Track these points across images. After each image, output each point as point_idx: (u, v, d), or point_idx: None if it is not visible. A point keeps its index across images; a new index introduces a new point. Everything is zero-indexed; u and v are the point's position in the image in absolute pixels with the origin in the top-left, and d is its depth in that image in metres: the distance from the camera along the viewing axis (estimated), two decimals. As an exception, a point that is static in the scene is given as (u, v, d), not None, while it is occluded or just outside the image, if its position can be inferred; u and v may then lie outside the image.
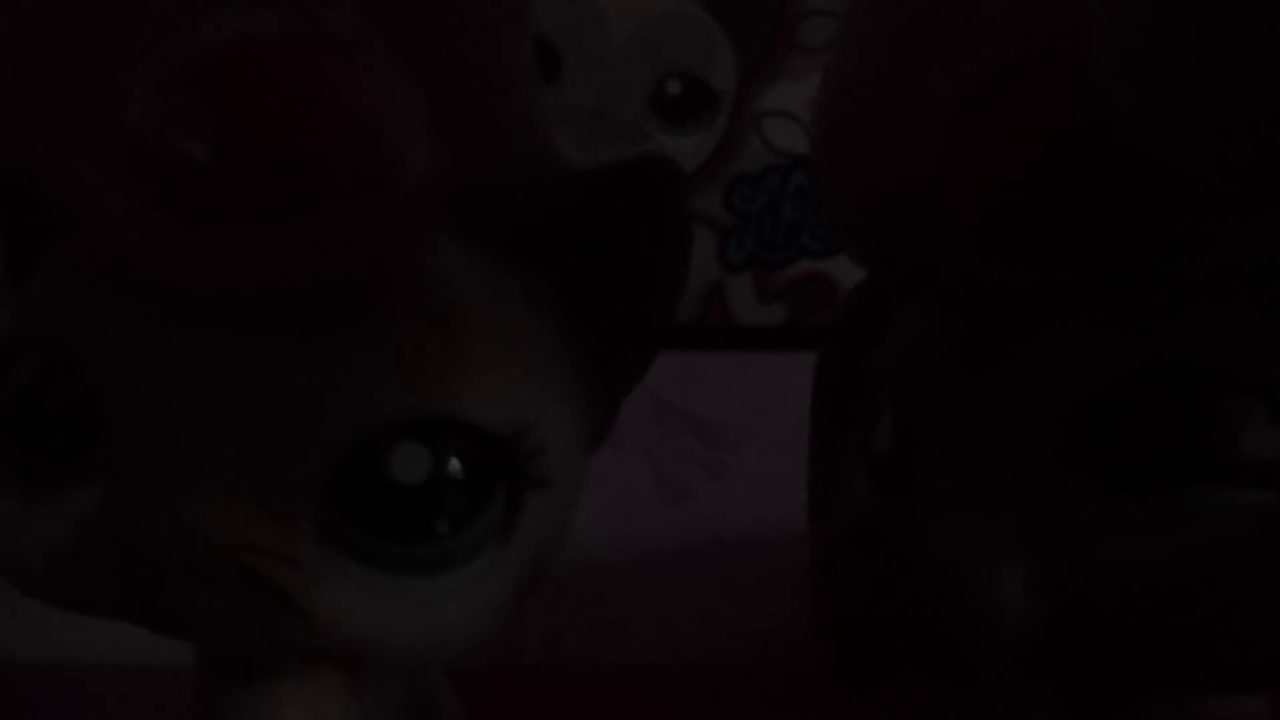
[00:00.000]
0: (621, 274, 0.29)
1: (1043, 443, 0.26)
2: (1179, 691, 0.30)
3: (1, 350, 0.26)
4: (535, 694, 0.53)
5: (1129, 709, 0.31)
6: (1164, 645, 0.25)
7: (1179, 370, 0.25)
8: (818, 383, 0.37)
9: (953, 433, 0.28)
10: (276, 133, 0.22)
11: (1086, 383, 0.26)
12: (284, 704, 0.29)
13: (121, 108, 0.22)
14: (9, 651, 0.54)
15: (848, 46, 0.28)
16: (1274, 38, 0.20)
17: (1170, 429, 0.25)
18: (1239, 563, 0.24)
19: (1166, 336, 0.25)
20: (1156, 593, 0.25)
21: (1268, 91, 0.20)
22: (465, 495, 0.26)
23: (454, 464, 0.26)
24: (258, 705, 0.29)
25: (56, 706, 0.51)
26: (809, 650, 0.50)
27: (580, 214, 0.28)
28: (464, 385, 0.26)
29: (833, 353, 0.36)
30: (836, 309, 0.59)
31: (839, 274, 0.59)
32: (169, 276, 0.24)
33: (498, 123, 0.26)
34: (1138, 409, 0.25)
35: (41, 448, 0.26)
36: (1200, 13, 0.21)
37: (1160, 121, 0.22)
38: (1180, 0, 0.21)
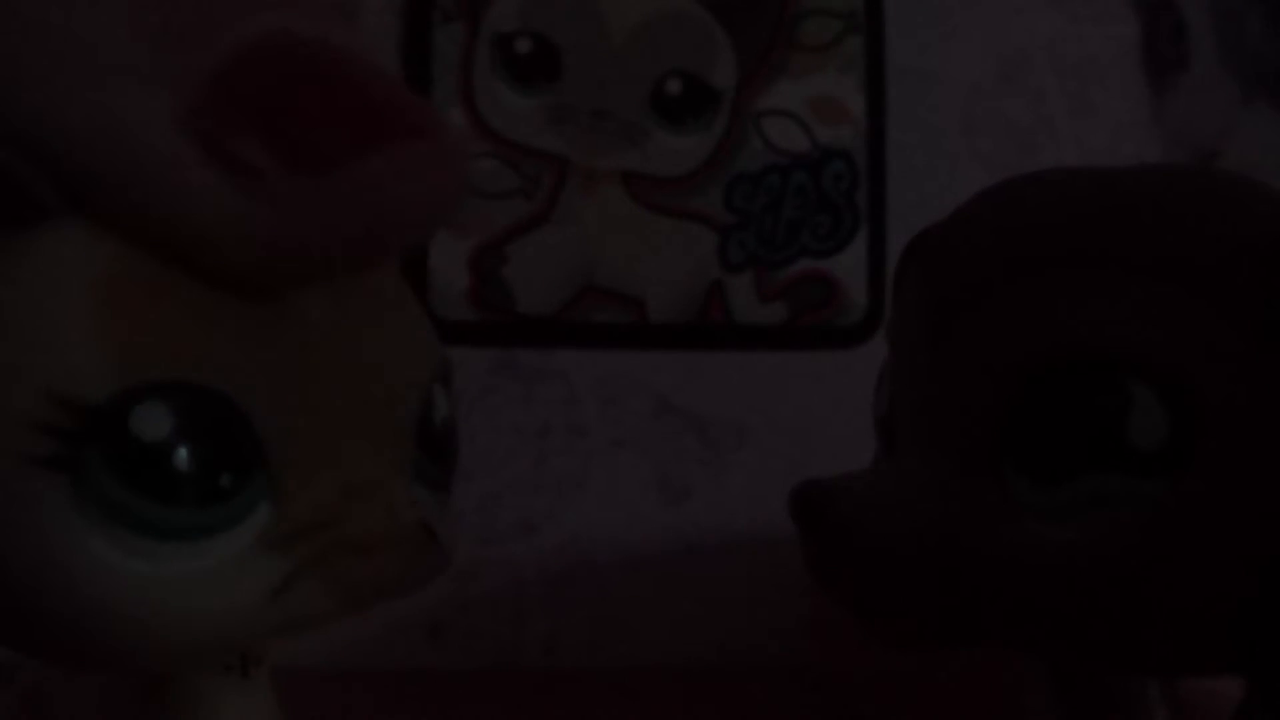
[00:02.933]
0: None
1: (979, 430, 0.28)
2: (1116, 672, 0.31)
3: (106, 407, 0.24)
4: (535, 694, 0.53)
5: (1118, 688, 0.32)
6: (1082, 629, 0.27)
7: (1079, 362, 0.27)
8: None
9: (908, 407, 0.30)
10: (323, 100, 0.24)
11: (1015, 372, 0.27)
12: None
13: (180, 92, 0.24)
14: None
15: None
16: None
17: (1067, 420, 0.27)
18: (1136, 550, 0.26)
19: (1073, 328, 0.27)
20: (1065, 578, 0.27)
21: None
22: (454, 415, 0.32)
23: (451, 393, 0.31)
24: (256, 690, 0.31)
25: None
26: (809, 649, 0.50)
27: None
28: (433, 332, 0.31)
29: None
30: (836, 308, 0.59)
31: (839, 273, 0.59)
32: (239, 248, 0.24)
33: None
34: (1045, 400, 0.27)
35: (199, 497, 0.25)
36: None
37: None
38: None
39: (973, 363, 0.28)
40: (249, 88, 0.24)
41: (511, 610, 0.58)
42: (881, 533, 0.28)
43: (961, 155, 0.60)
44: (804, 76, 0.59)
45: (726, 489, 0.59)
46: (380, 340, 0.28)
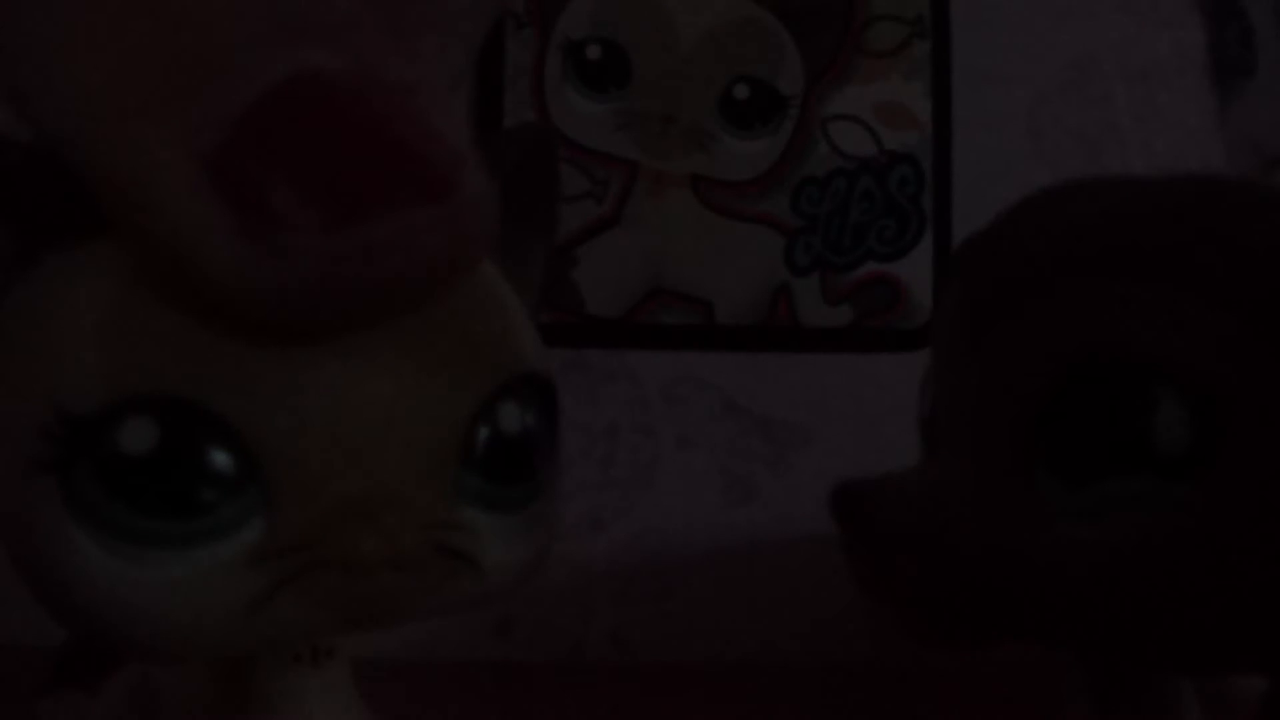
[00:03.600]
0: (522, 225, 0.33)
1: (1012, 433, 0.28)
2: (1148, 670, 0.32)
3: (105, 407, 0.25)
4: (602, 687, 0.54)
5: (1151, 687, 0.32)
6: (1112, 627, 0.28)
7: (1108, 367, 0.27)
8: None
9: (947, 410, 0.31)
10: (339, 150, 0.24)
11: (1048, 377, 0.28)
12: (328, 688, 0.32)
13: (200, 134, 0.23)
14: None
15: None
16: None
17: (1093, 423, 0.27)
18: (1163, 549, 0.27)
19: (1103, 335, 0.27)
20: (1095, 577, 0.27)
21: None
22: (551, 430, 0.30)
23: (537, 408, 0.30)
24: (305, 688, 0.31)
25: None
26: (872, 646, 0.50)
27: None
28: (518, 343, 0.30)
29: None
30: (902, 311, 0.59)
31: (905, 276, 0.60)
32: (242, 293, 0.24)
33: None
34: (1075, 403, 0.28)
35: (179, 509, 0.26)
36: None
37: None
38: None
39: (1007, 367, 0.29)
40: (268, 133, 0.23)
41: (579, 605, 0.59)
42: (918, 533, 0.29)
43: (1027, 160, 0.60)
44: (870, 82, 0.59)
45: (790, 489, 0.60)
46: (409, 357, 0.27)
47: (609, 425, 0.59)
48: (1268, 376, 0.26)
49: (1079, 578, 0.27)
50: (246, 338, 0.25)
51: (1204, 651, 0.28)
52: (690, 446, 0.60)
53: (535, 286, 0.35)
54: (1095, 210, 0.30)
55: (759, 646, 0.59)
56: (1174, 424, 0.26)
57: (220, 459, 0.25)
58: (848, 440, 0.59)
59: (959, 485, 0.29)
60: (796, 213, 0.59)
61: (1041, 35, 0.61)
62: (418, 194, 0.24)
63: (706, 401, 0.60)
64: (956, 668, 0.45)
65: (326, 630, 0.28)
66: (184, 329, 0.25)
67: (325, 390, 0.26)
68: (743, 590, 0.59)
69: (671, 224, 0.59)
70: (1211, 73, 0.60)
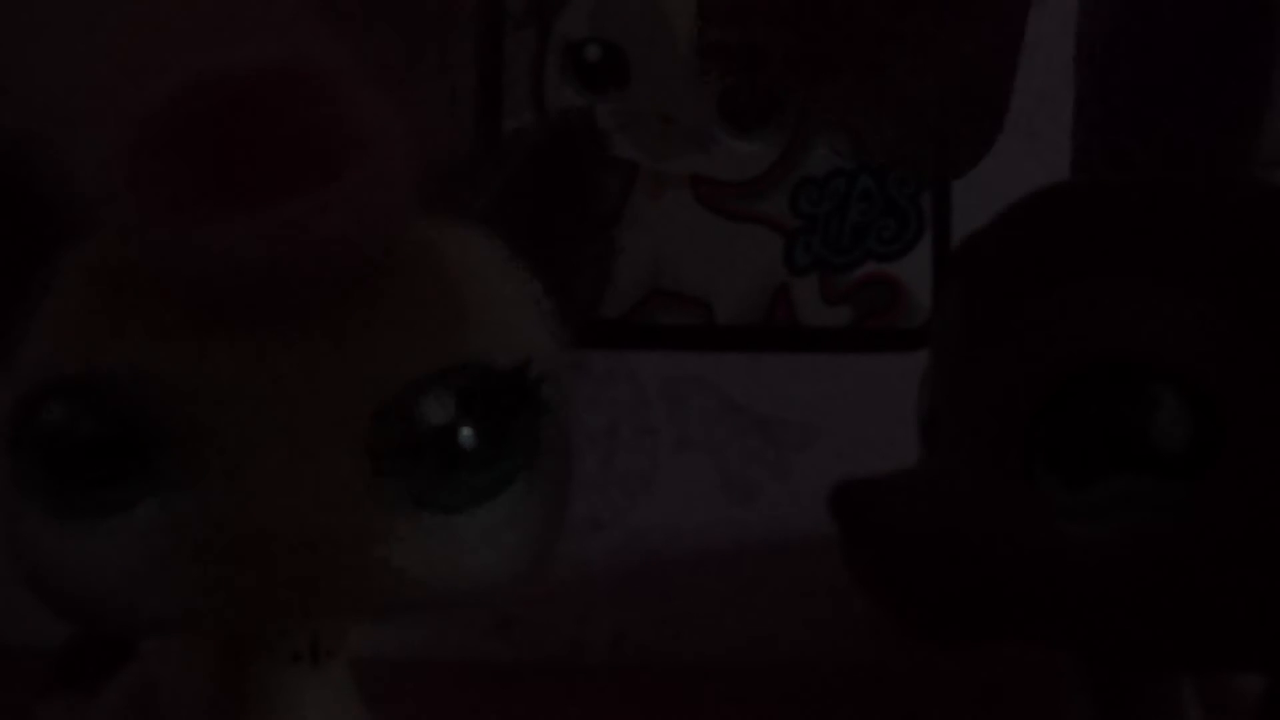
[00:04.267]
0: (559, 211, 0.32)
1: (1011, 432, 0.28)
2: (1148, 669, 0.32)
3: (34, 388, 0.27)
4: (601, 687, 0.54)
5: (1151, 686, 0.32)
6: (1111, 626, 0.28)
7: (1106, 366, 0.27)
8: None
9: (946, 409, 0.31)
10: (238, 143, 0.25)
11: (1047, 377, 0.28)
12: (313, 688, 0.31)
13: (126, 130, 0.25)
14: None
15: None
16: None
17: (1093, 423, 0.27)
18: (1162, 549, 0.27)
19: (1102, 335, 0.28)
20: (1094, 577, 0.27)
21: None
22: (493, 427, 0.29)
23: (477, 401, 0.28)
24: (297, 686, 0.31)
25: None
26: (872, 646, 0.50)
27: (522, 167, 0.32)
28: (468, 331, 0.29)
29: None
30: (901, 311, 0.60)
31: (904, 276, 0.60)
32: (182, 273, 0.26)
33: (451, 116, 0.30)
34: (1074, 403, 0.28)
35: (87, 477, 0.27)
36: None
37: None
38: None
39: (1006, 366, 0.29)
40: (176, 129, 0.25)
41: (579, 605, 0.59)
42: (918, 531, 0.29)
43: (1025, 160, 0.60)
44: (870, 82, 0.59)
45: (791, 489, 0.60)
46: (327, 338, 0.27)
47: (609, 426, 0.59)
48: (1268, 376, 0.26)
49: (1079, 577, 0.27)
50: (182, 319, 0.26)
51: (1204, 651, 0.28)
52: (690, 447, 0.60)
53: (583, 273, 0.34)
54: (1095, 211, 0.30)
55: (759, 646, 0.59)
56: (1174, 424, 0.27)
57: (139, 432, 0.27)
58: (847, 440, 0.59)
59: (959, 485, 0.29)
60: (796, 213, 0.59)
61: (1040, 36, 0.61)
62: (306, 181, 0.25)
63: (706, 402, 0.60)
64: (956, 668, 0.45)
65: (227, 617, 0.28)
66: (121, 311, 0.27)
67: (240, 368, 0.27)
68: (743, 590, 0.59)
69: (671, 224, 0.59)
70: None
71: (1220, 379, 0.26)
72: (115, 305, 0.27)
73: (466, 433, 0.28)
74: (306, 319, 0.27)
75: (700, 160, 0.59)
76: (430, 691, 0.49)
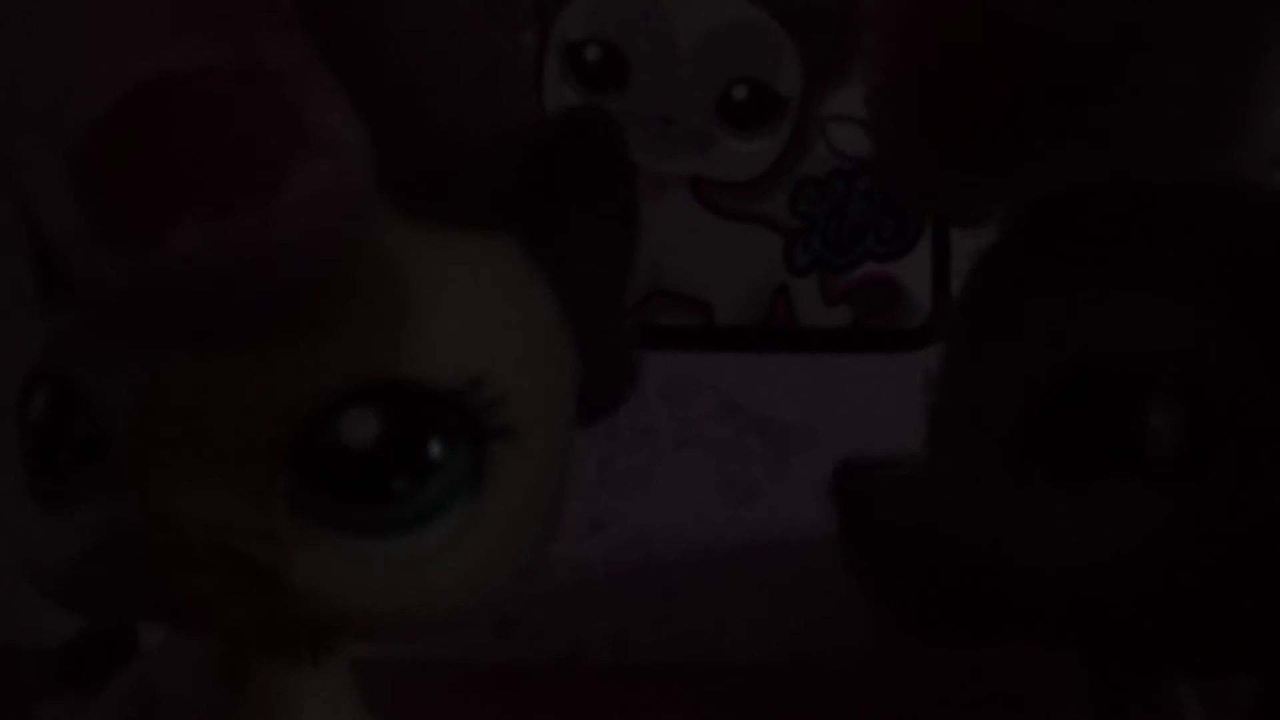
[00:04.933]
0: (572, 220, 0.31)
1: (1009, 434, 0.28)
2: (1144, 672, 0.32)
3: (25, 383, 0.29)
4: (601, 689, 0.54)
5: (1150, 689, 0.33)
6: (1106, 628, 0.28)
7: (1103, 371, 0.27)
8: None
9: (946, 411, 0.31)
10: (170, 159, 0.23)
11: (1044, 381, 0.28)
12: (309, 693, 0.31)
13: (58, 142, 0.24)
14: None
15: None
16: None
17: (1089, 428, 0.27)
18: (1157, 552, 0.27)
19: (1100, 340, 0.28)
20: (1089, 579, 0.27)
21: None
22: (419, 450, 0.27)
23: (402, 422, 0.27)
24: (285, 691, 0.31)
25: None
26: (872, 646, 0.50)
27: (527, 170, 0.30)
28: (405, 347, 0.27)
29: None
30: (901, 311, 0.60)
31: (904, 276, 0.60)
32: (110, 291, 0.25)
33: (434, 112, 0.28)
34: (1071, 408, 0.28)
35: (54, 470, 0.29)
36: None
37: None
38: None
39: (1005, 369, 0.29)
40: (112, 141, 0.23)
41: (579, 606, 0.59)
42: (915, 528, 0.29)
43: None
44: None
45: (790, 489, 0.60)
46: (252, 349, 0.26)
47: (609, 426, 0.59)
48: (1263, 379, 0.26)
49: (1077, 579, 0.27)
50: (117, 328, 0.27)
51: (1202, 654, 0.28)
52: (690, 447, 0.60)
53: (600, 276, 0.32)
54: (1096, 217, 0.30)
55: (759, 646, 0.59)
56: (1169, 428, 0.27)
57: (79, 430, 0.28)
58: (847, 440, 0.58)
59: (958, 484, 0.29)
60: (795, 213, 0.59)
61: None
62: (232, 202, 0.23)
63: (706, 402, 0.60)
64: (956, 668, 0.46)
65: (141, 615, 0.30)
66: (86, 315, 0.28)
67: (164, 375, 0.27)
68: (743, 590, 0.59)
69: (670, 225, 0.59)
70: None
71: (1217, 387, 0.26)
72: (81, 323, 0.29)
73: (385, 456, 0.27)
74: (242, 331, 0.26)
75: (700, 160, 0.59)
76: (430, 692, 0.49)
